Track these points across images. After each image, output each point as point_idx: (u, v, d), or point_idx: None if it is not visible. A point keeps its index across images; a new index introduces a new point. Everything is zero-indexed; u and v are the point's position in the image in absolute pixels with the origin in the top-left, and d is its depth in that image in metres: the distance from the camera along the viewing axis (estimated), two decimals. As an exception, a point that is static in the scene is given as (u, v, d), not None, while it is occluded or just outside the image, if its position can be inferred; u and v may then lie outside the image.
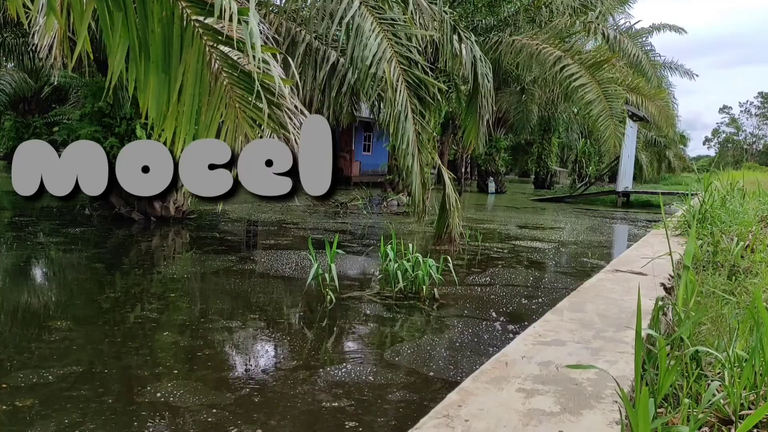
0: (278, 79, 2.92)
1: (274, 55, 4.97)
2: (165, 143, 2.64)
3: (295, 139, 4.39)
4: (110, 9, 2.35)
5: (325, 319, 5.59)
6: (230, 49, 2.92)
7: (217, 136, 3.12)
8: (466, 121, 10.76)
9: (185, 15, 2.61)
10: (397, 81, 7.74)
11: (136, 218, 11.41)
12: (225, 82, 3.01)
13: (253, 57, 2.46)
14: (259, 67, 2.62)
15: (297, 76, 8.60)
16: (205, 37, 2.72)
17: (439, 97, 8.75)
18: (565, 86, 13.78)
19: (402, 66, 7.87)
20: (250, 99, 2.99)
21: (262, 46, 2.51)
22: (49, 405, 3.36)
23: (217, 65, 2.94)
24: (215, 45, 2.80)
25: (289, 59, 4.27)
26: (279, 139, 3.73)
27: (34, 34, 7.23)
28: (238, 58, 3.07)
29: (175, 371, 3.99)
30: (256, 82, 2.69)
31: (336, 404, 3.54)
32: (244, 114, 3.17)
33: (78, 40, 2.54)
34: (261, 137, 3.38)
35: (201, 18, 2.64)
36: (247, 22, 2.36)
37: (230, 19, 2.33)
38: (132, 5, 2.37)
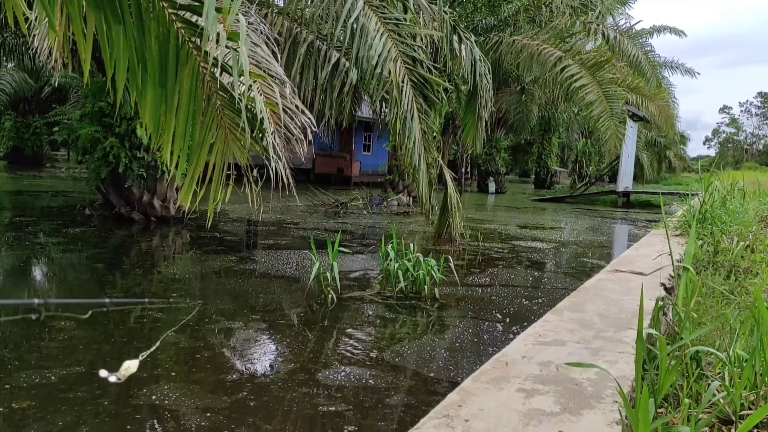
0: (261, 105, 2.91)
1: (274, 55, 4.97)
2: (162, 160, 2.66)
3: (296, 140, 4.39)
4: (109, 21, 2.34)
5: (326, 319, 5.59)
6: (221, 71, 2.92)
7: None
8: (466, 120, 10.76)
9: (180, 35, 2.62)
10: (403, 81, 7.72)
11: (136, 218, 11.40)
12: (217, 104, 3.03)
13: (241, 84, 2.45)
14: (246, 88, 2.62)
15: (299, 77, 8.61)
16: (198, 58, 2.73)
17: (443, 95, 8.75)
18: (565, 87, 13.78)
19: (407, 65, 7.86)
20: (238, 122, 3.00)
21: (250, 73, 2.50)
22: (46, 406, 3.36)
23: (209, 86, 2.96)
24: (207, 67, 2.80)
25: (282, 81, 4.28)
26: (264, 157, 3.75)
27: (34, 37, 7.21)
28: (229, 82, 3.08)
29: (174, 373, 3.99)
30: (243, 112, 2.69)
31: (335, 408, 3.54)
32: (233, 136, 3.19)
33: (84, 63, 2.54)
34: (249, 158, 3.41)
35: (195, 39, 2.65)
36: (236, 50, 2.33)
37: (219, 43, 2.29)
38: (130, 19, 2.37)
